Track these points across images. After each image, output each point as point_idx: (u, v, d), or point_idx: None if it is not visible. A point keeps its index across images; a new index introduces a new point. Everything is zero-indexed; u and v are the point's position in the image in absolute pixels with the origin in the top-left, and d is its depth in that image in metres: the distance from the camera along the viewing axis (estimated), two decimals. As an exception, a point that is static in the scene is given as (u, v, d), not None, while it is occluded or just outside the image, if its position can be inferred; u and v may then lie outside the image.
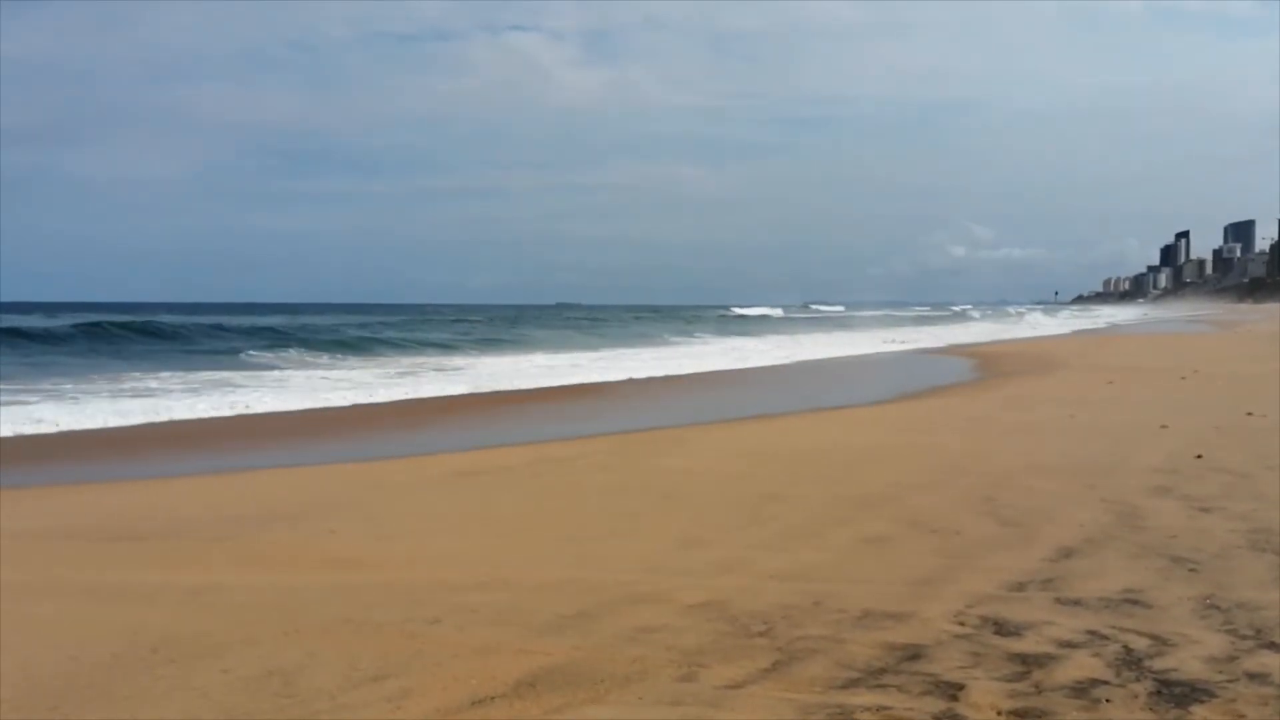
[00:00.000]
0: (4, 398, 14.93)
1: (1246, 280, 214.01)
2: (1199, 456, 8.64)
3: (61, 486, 8.59)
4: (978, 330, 53.91)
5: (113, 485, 8.65)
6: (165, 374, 20.41)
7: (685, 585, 5.04)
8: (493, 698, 3.68)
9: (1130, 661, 3.97)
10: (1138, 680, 3.78)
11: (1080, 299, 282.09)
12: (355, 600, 4.87)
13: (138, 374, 20.48)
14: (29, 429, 12.10)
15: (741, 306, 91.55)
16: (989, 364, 23.54)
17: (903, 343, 37.49)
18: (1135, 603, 4.70)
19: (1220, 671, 3.85)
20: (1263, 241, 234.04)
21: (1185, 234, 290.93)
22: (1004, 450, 9.42)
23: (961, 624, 4.43)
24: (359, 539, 6.28)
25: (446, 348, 33.00)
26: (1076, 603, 4.72)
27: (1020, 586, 4.99)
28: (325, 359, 27.88)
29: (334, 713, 3.58)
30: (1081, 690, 3.69)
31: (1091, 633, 4.30)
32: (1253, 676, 3.80)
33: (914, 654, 4.07)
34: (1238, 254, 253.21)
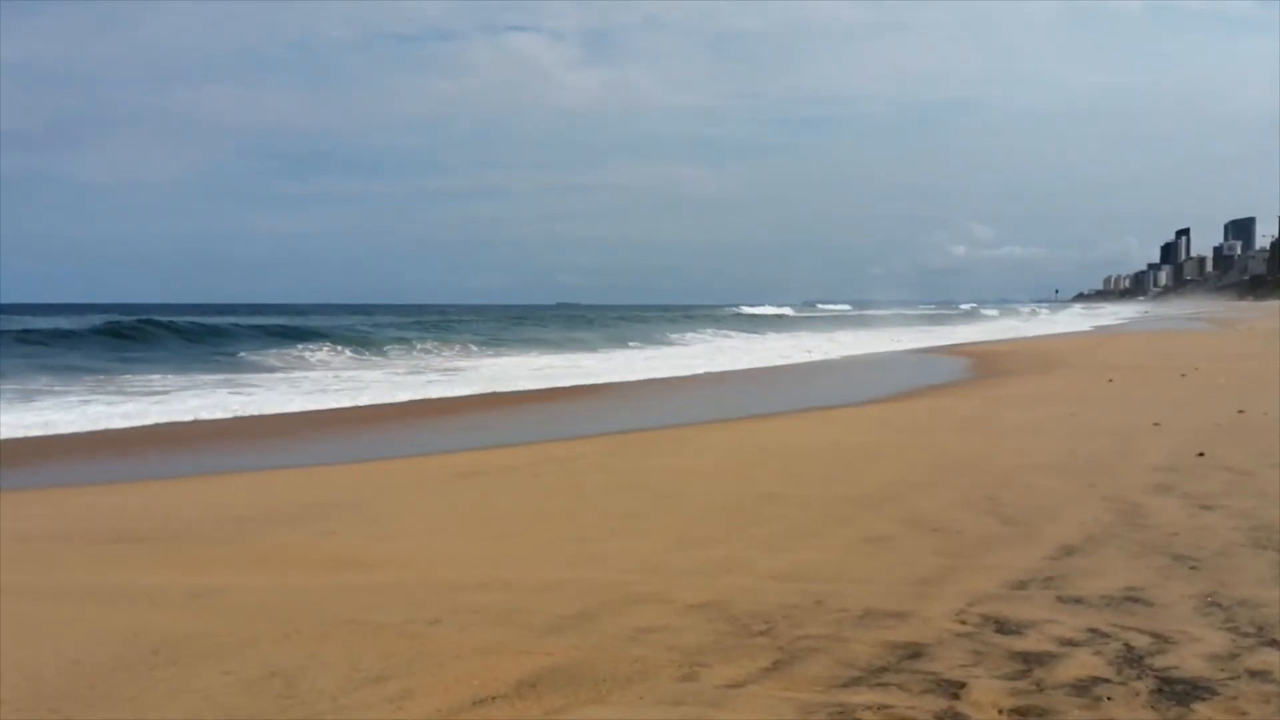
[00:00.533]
0: (16, 399, 14.97)
1: (1247, 278, 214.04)
2: (1200, 454, 8.64)
3: (62, 488, 8.60)
4: (1000, 327, 54.44)
5: (113, 487, 8.65)
6: (173, 376, 20.52)
7: (686, 585, 5.04)
8: (494, 698, 3.68)
9: (1132, 659, 3.97)
10: (1139, 678, 3.78)
11: (1081, 297, 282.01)
12: (356, 601, 4.87)
13: (140, 375, 20.50)
14: (38, 431, 12.15)
15: (748, 306, 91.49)
16: (991, 362, 23.54)
17: (931, 341, 37.63)
18: (1137, 601, 4.70)
19: (1222, 669, 3.85)
20: (1263, 239, 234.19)
21: (1185, 232, 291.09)
22: (1005, 449, 9.42)
23: (963, 622, 4.42)
24: (360, 540, 6.28)
25: (449, 347, 33.06)
26: (1078, 601, 4.71)
27: (1021, 585, 4.99)
28: (346, 357, 28.45)
29: (335, 714, 3.58)
30: (1083, 688, 3.69)
31: (1093, 631, 4.29)
32: (1254, 674, 3.80)
33: (915, 653, 4.07)
34: (1238, 251, 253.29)
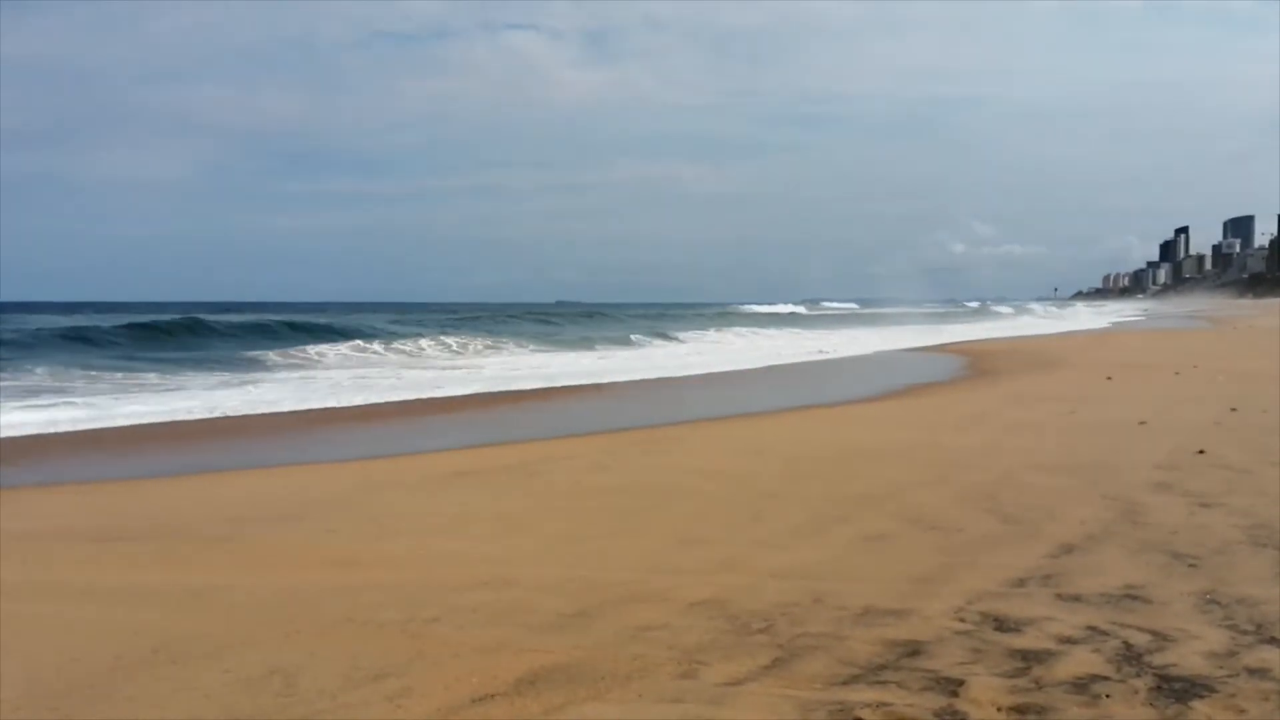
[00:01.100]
0: (21, 396, 14.99)
1: (1246, 276, 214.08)
2: (1200, 452, 8.64)
3: (62, 486, 8.59)
4: (1018, 325, 54.70)
5: (113, 485, 8.64)
6: (223, 372, 20.84)
7: (685, 583, 5.04)
8: (493, 696, 3.68)
9: (1130, 657, 3.98)
10: (1138, 676, 3.78)
11: (1080, 295, 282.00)
12: (356, 600, 4.87)
13: (171, 374, 20.60)
14: (51, 429, 12.23)
15: (757, 305, 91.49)
16: (991, 361, 23.53)
17: (945, 338, 37.74)
18: (1136, 598, 4.71)
19: (1220, 667, 3.85)
20: (1262, 237, 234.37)
21: (1185, 230, 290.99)
22: (1005, 447, 9.42)
23: (962, 620, 4.43)
24: (359, 539, 6.28)
25: (500, 346, 33.32)
26: (1077, 599, 4.72)
27: (1021, 583, 4.99)
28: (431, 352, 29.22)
29: (335, 712, 3.59)
30: (1082, 686, 3.70)
31: (1092, 628, 4.30)
32: (1253, 672, 3.80)
33: (914, 650, 4.07)
34: (1237, 249, 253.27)
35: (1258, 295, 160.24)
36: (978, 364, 22.69)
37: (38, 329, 32.97)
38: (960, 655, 4.02)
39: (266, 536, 6.35)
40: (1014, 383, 17.19)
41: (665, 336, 40.96)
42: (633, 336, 39.40)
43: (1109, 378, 16.90)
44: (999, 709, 3.51)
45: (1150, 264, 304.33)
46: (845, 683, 3.76)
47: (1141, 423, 10.68)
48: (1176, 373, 17.22)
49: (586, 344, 35.80)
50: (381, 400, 16.00)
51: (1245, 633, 4.22)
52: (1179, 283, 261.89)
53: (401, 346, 30.80)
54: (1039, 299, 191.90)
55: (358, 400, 15.92)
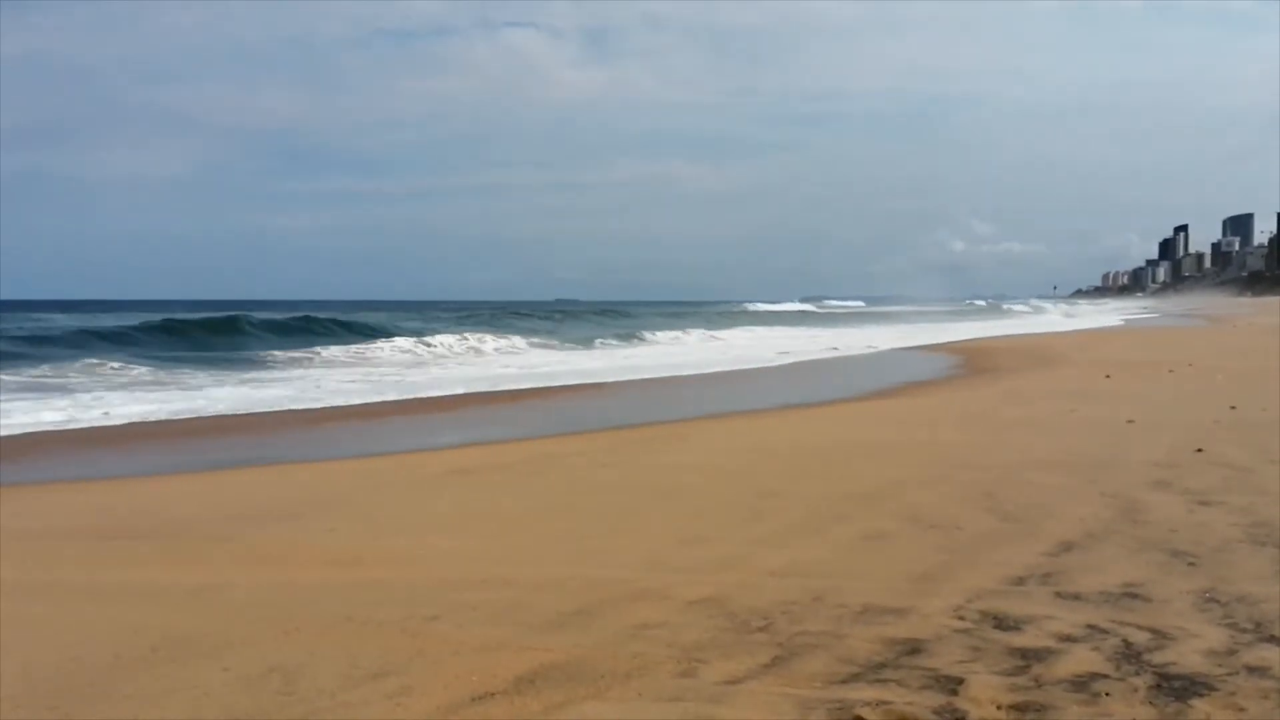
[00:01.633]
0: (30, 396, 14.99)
1: (1245, 274, 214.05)
2: (1199, 450, 8.65)
3: (61, 484, 8.59)
4: (1035, 323, 54.82)
5: (112, 483, 8.64)
6: (275, 368, 20.98)
7: (685, 581, 5.04)
8: (493, 694, 3.68)
9: (1130, 655, 3.98)
10: (1137, 674, 3.78)
11: (1079, 293, 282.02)
12: (355, 598, 4.87)
13: (208, 373, 20.68)
14: (50, 426, 12.26)
15: (756, 302, 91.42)
16: (990, 359, 23.54)
17: (961, 335, 37.75)
18: (1135, 597, 4.71)
19: (1220, 665, 3.85)
20: (1261, 235, 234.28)
21: (1184, 228, 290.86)
22: (1004, 445, 9.42)
23: (961, 619, 4.43)
24: (358, 537, 6.27)
25: (549, 344, 33.47)
26: (1076, 597, 4.72)
27: (1020, 581, 4.99)
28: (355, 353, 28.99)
29: (335, 711, 3.59)
30: (1081, 684, 3.70)
31: (1091, 627, 4.30)
32: (1252, 670, 3.80)
33: (914, 649, 4.08)
34: (1236, 248, 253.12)
35: (1257, 293, 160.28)
36: (985, 362, 22.70)
37: (36, 328, 33.08)
38: (960, 653, 4.02)
39: (266, 534, 6.35)
40: (1014, 380, 17.20)
41: (682, 332, 41.12)
42: (646, 334, 39.52)
43: (1108, 376, 16.90)
44: (999, 707, 3.51)
45: (1149, 262, 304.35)
46: (845, 681, 3.76)
47: (1154, 421, 10.67)
48: (1170, 370, 17.22)
49: (625, 337, 36.27)
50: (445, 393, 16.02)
51: (1245, 631, 4.22)
52: (1178, 281, 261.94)
53: (445, 344, 30.97)
54: (1039, 296, 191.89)
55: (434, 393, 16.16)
